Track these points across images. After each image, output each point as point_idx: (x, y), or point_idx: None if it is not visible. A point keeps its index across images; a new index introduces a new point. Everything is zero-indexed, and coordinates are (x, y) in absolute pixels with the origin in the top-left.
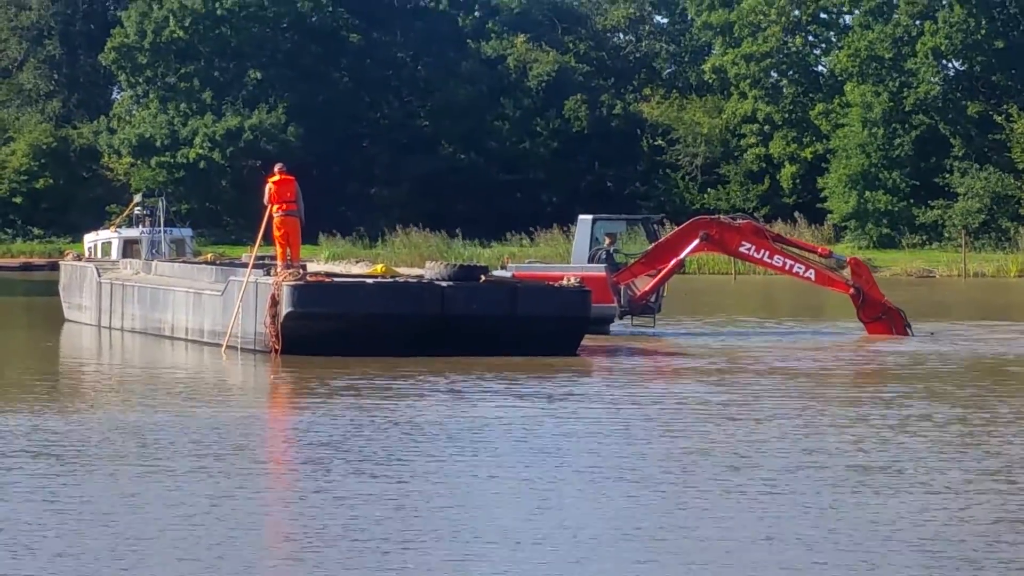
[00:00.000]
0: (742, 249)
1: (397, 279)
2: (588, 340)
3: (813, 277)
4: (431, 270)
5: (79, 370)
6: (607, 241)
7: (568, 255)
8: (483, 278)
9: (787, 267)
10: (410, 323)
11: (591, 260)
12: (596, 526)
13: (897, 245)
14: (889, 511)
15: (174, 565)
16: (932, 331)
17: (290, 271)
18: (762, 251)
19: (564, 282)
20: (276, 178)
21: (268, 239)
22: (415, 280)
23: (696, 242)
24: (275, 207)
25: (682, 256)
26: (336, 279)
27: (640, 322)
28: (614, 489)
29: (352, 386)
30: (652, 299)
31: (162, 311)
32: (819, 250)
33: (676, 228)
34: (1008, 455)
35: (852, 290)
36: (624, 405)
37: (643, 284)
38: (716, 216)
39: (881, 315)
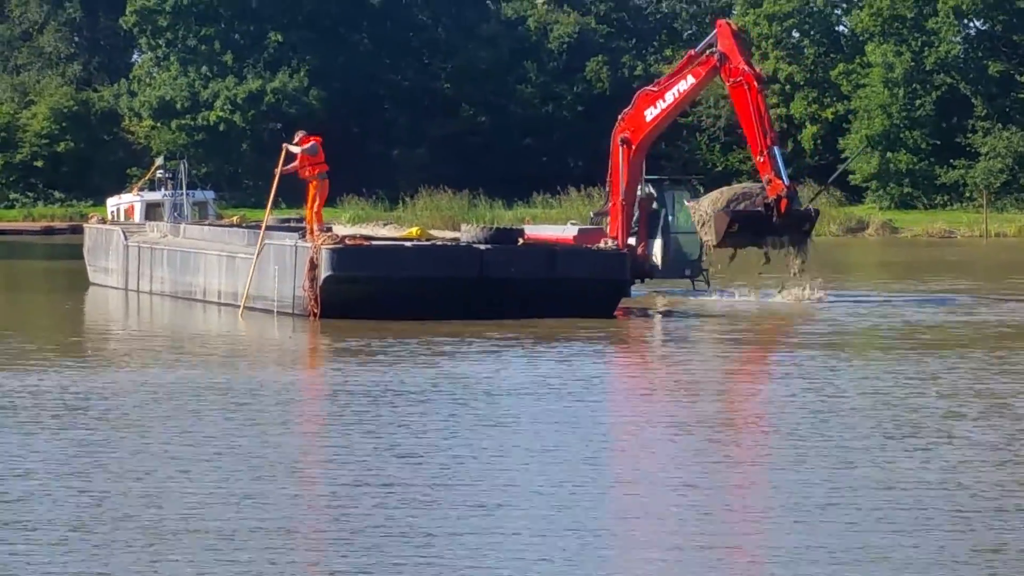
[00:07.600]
0: (650, 117)
1: (435, 242)
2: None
3: (694, 80)
4: (467, 233)
5: (114, 332)
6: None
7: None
8: (521, 241)
9: (680, 93)
10: (449, 286)
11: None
12: (602, 480)
13: (918, 206)
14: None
15: (209, 513)
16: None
17: (328, 234)
18: (658, 101)
19: (602, 244)
20: (309, 144)
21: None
22: (453, 243)
23: (622, 151)
24: (308, 169)
25: (629, 177)
26: (374, 242)
27: (698, 284)
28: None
29: (390, 348)
30: (650, 255)
31: (193, 274)
32: (689, 54)
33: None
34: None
35: (715, 57)
36: (662, 366)
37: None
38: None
39: (739, 79)
